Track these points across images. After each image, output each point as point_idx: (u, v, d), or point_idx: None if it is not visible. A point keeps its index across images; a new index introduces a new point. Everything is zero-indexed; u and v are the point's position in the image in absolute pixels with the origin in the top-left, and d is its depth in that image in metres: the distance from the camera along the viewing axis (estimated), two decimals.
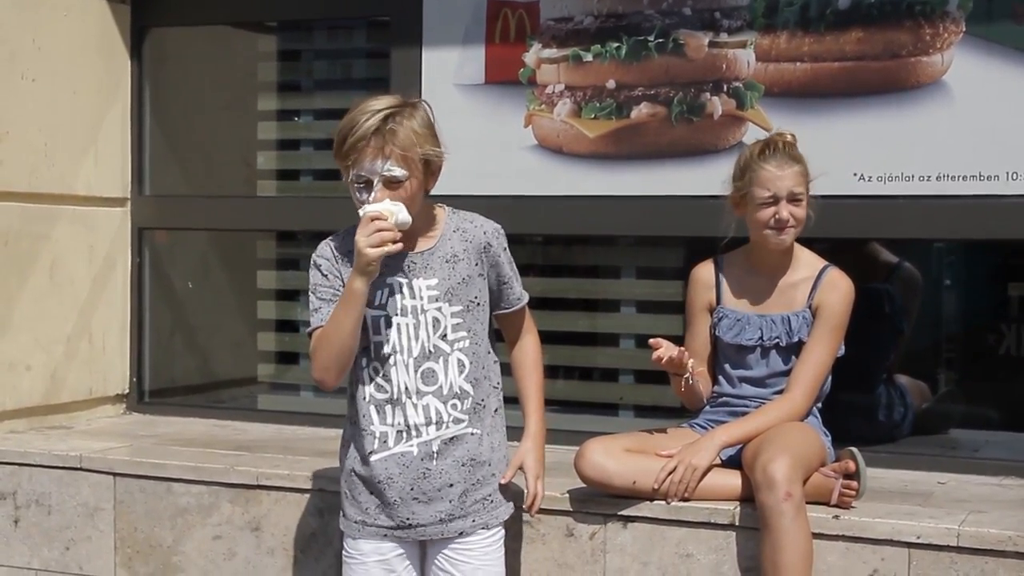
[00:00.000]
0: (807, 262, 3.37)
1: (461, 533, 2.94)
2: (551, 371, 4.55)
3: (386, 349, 2.89)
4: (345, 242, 2.93)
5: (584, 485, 3.31)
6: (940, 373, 4.26)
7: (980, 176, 3.62)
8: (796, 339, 3.32)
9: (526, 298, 3.10)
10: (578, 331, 4.49)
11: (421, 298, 2.89)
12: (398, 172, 2.78)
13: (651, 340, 3.24)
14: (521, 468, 3.06)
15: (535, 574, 3.38)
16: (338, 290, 2.90)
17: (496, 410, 3.00)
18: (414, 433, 2.89)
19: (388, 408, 2.90)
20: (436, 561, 2.99)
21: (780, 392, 3.34)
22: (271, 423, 4.49)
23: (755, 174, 3.27)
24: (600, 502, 3.30)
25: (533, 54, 4.13)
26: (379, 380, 2.90)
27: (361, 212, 2.76)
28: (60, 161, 4.43)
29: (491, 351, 3.01)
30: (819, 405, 3.38)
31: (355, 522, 2.99)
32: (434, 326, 2.89)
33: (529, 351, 3.14)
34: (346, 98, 4.69)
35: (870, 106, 3.73)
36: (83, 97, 4.52)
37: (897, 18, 3.70)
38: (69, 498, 3.87)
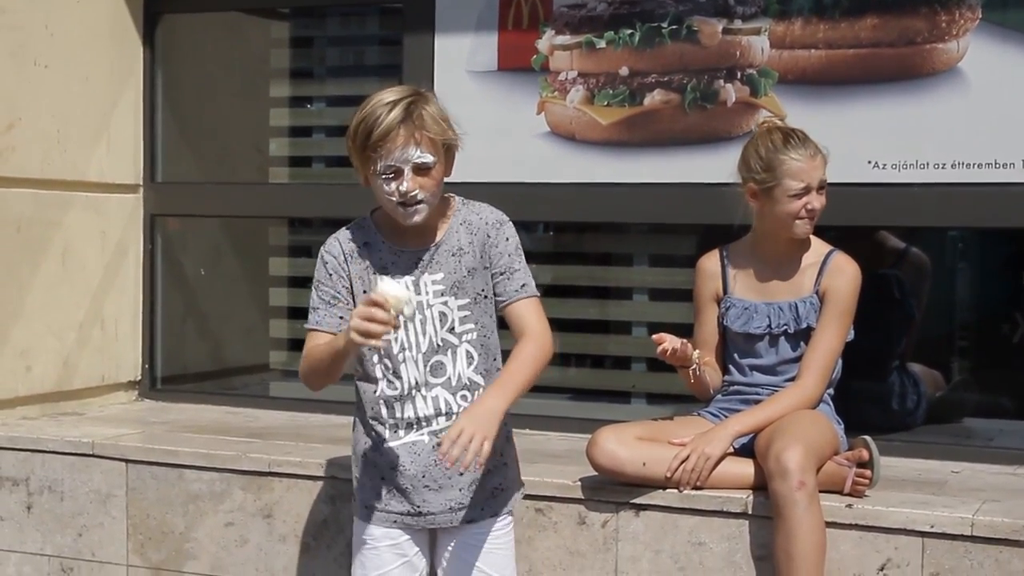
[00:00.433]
0: (813, 248, 3.36)
1: (471, 520, 2.94)
2: (563, 359, 4.57)
3: (395, 347, 2.88)
4: (356, 237, 2.91)
5: (596, 473, 3.30)
6: (954, 361, 4.25)
7: (995, 164, 3.60)
8: (804, 325, 3.31)
9: (529, 292, 2.90)
10: (590, 319, 4.49)
11: (427, 293, 2.87)
12: (429, 158, 2.76)
13: (654, 336, 3.23)
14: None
15: (547, 562, 3.38)
16: (338, 292, 2.88)
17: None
18: (424, 424, 2.89)
19: (398, 404, 2.89)
20: (447, 548, 2.98)
21: (791, 379, 3.33)
22: (283, 410, 4.50)
23: (786, 166, 3.23)
24: (612, 490, 3.29)
25: (546, 41, 4.11)
26: (390, 376, 2.89)
27: (378, 284, 2.65)
28: (72, 148, 4.43)
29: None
30: (831, 392, 3.36)
31: (366, 507, 2.99)
32: (441, 320, 2.87)
33: (522, 349, 2.84)
34: (358, 85, 4.73)
35: (885, 93, 3.71)
36: (95, 84, 4.51)
37: (912, 5, 3.68)
38: (81, 484, 3.87)
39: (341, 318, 2.87)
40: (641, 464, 3.21)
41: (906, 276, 4.05)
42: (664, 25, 3.96)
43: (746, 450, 3.29)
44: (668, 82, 3.97)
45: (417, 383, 2.87)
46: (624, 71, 4.01)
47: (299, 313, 4.89)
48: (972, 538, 3.00)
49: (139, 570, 3.82)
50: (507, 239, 2.90)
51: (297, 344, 4.89)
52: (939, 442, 3.78)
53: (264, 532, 3.67)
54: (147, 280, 4.74)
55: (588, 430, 3.46)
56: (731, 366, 3.43)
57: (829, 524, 3.06)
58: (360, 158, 2.81)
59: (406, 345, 2.87)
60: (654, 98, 3.99)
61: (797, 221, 3.26)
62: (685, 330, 3.56)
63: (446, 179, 2.89)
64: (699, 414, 3.45)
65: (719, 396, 3.45)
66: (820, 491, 3.06)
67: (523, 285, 2.89)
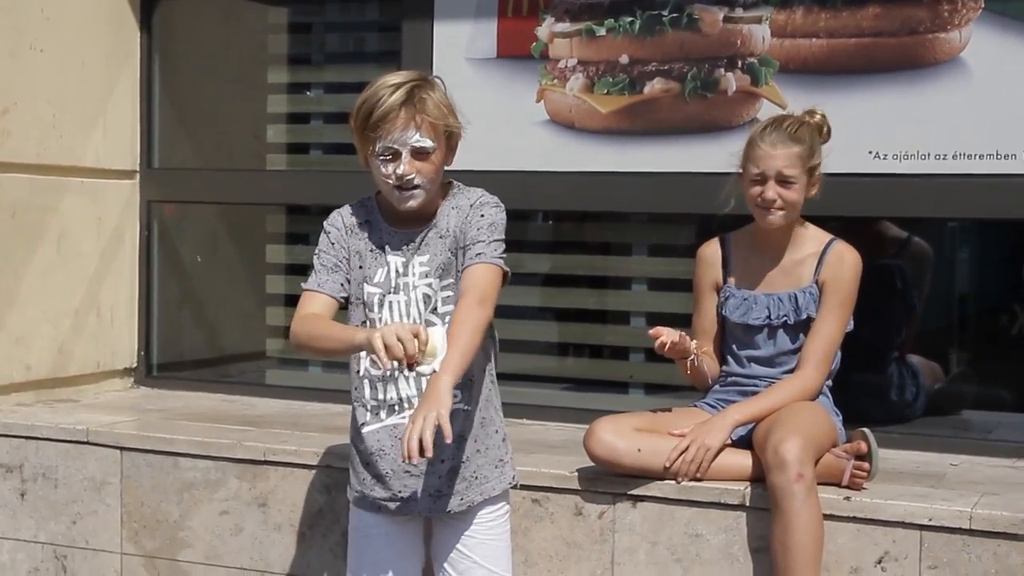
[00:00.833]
0: (813, 237, 3.34)
1: (449, 511, 2.92)
2: (561, 349, 4.55)
3: (379, 326, 2.87)
4: (358, 213, 2.93)
5: (593, 464, 3.28)
6: (953, 353, 4.23)
7: (997, 155, 3.58)
8: (804, 316, 3.29)
9: (483, 260, 2.80)
10: (588, 308, 4.46)
11: (413, 274, 2.87)
12: (428, 143, 2.76)
13: (651, 331, 3.21)
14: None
15: (543, 553, 3.36)
16: (341, 260, 2.90)
17: (488, 386, 2.95)
18: (406, 406, 2.88)
19: (380, 384, 2.89)
20: (441, 538, 2.97)
21: (789, 371, 3.32)
22: (279, 398, 4.48)
23: (750, 150, 3.26)
24: (609, 481, 3.28)
25: (546, 28, 4.09)
26: (373, 356, 2.89)
27: (434, 329, 2.64)
28: (68, 133, 4.41)
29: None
30: (830, 384, 3.35)
31: (356, 492, 2.99)
32: (425, 302, 2.86)
33: (460, 313, 2.73)
34: (357, 72, 4.70)
35: (886, 83, 3.68)
36: (92, 68, 4.49)
37: None
38: (76, 472, 3.85)
39: (342, 284, 2.89)
40: (636, 450, 3.19)
41: (907, 266, 4.03)
42: (664, 13, 3.93)
43: (744, 442, 3.27)
44: (668, 70, 3.94)
45: (399, 364, 2.85)
46: (624, 59, 3.99)
47: (296, 301, 4.87)
48: (970, 531, 2.99)
49: (133, 558, 3.80)
50: (482, 215, 2.87)
51: None
52: (938, 435, 3.76)
53: (259, 521, 3.65)
54: (143, 267, 4.72)
55: (586, 420, 3.44)
56: (729, 357, 3.42)
57: (827, 516, 3.05)
58: (360, 138, 2.82)
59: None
60: (654, 87, 3.97)
61: (755, 208, 3.26)
62: (684, 320, 3.55)
63: (447, 167, 2.88)
64: (697, 405, 3.43)
65: (716, 387, 3.43)
66: (818, 483, 3.05)
67: (478, 254, 2.82)
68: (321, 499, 3.57)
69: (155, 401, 4.43)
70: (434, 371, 2.62)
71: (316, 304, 2.89)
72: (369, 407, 2.92)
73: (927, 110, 3.64)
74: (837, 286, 3.27)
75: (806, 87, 3.75)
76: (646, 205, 4.10)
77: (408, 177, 2.77)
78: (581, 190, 4.08)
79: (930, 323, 4.19)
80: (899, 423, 3.88)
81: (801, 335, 3.31)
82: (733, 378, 3.40)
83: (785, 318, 3.31)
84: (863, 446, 3.17)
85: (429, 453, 2.56)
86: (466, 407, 2.89)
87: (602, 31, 4.01)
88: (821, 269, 3.29)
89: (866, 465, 3.16)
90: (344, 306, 2.93)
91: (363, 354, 2.89)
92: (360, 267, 2.90)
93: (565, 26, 4.06)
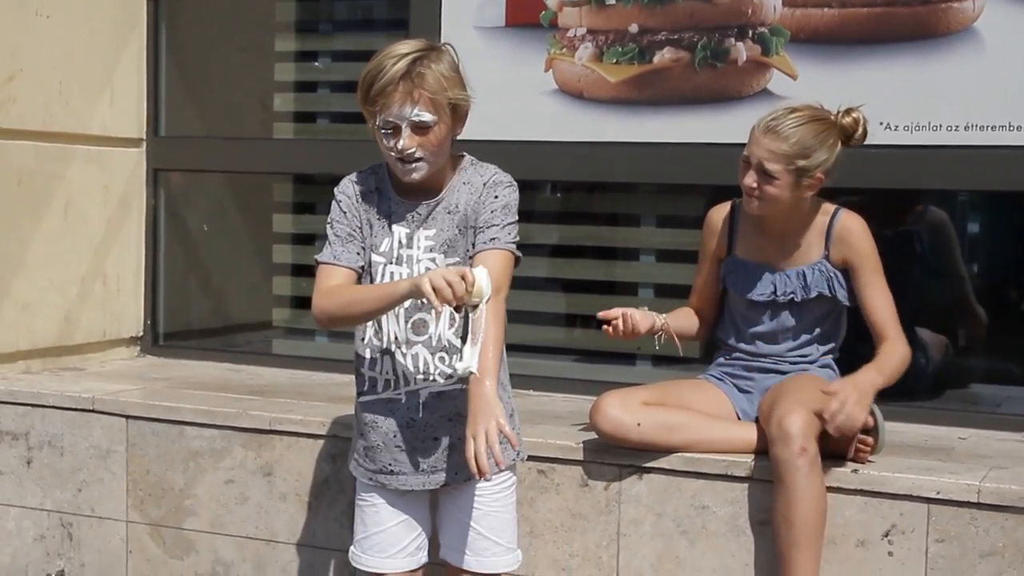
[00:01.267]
0: (817, 209, 3.27)
1: (446, 484, 2.92)
2: (571, 320, 4.53)
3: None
4: (368, 181, 2.90)
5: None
6: (961, 327, 4.20)
7: (1009, 126, 3.55)
8: (814, 294, 3.25)
9: (498, 245, 2.80)
10: (596, 279, 4.44)
11: (417, 248, 2.85)
12: (427, 117, 2.72)
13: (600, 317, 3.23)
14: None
15: (548, 524, 3.36)
16: (354, 230, 2.86)
17: None
18: (403, 382, 2.87)
19: (379, 356, 2.88)
20: (446, 510, 2.97)
21: (793, 350, 3.28)
22: (285, 368, 4.47)
23: (752, 128, 3.18)
24: (615, 452, 3.27)
25: None
26: (376, 326, 2.88)
27: (477, 270, 2.61)
28: (75, 100, 4.39)
29: None
30: (836, 356, 3.33)
31: (353, 460, 3.00)
32: None
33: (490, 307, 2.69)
34: (364, 40, 4.67)
35: (898, 53, 3.65)
36: (98, 35, 4.46)
37: None
38: (81, 440, 3.85)
39: (358, 253, 2.86)
40: (636, 425, 3.17)
41: (926, 238, 3.99)
42: None
43: (749, 418, 3.26)
44: (678, 40, 3.91)
45: (397, 338, 2.85)
46: (634, 28, 3.95)
47: (303, 270, 4.89)
48: (978, 505, 2.97)
49: (138, 526, 3.80)
50: (496, 197, 2.84)
51: (301, 301, 4.89)
52: (946, 408, 3.75)
53: (264, 490, 3.65)
54: (150, 235, 4.71)
55: (593, 392, 3.44)
56: (732, 330, 3.38)
57: (834, 490, 3.04)
58: (364, 110, 2.79)
59: None
60: (664, 56, 3.94)
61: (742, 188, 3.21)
62: (685, 288, 3.53)
63: (458, 138, 2.85)
64: (705, 378, 3.41)
65: (721, 360, 3.41)
66: (824, 457, 3.03)
67: (493, 239, 2.81)
68: (327, 468, 3.56)
69: (161, 370, 4.43)
70: (480, 305, 2.60)
71: (336, 277, 2.85)
72: (367, 378, 2.91)
73: (939, 81, 3.61)
74: (862, 258, 3.22)
75: (817, 57, 3.72)
76: (655, 176, 4.07)
77: (409, 151, 2.74)
78: (589, 160, 4.05)
79: (939, 296, 4.17)
80: (907, 396, 3.86)
81: (805, 314, 3.27)
82: (737, 353, 3.37)
83: (792, 295, 3.27)
84: (869, 420, 3.14)
85: (502, 464, 2.67)
86: (463, 385, 2.87)
87: (612, 0, 3.98)
88: (831, 245, 3.24)
89: (869, 440, 3.14)
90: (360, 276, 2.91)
91: (367, 325, 2.88)
92: (373, 235, 2.88)
93: None
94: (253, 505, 3.67)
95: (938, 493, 3.00)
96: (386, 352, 2.87)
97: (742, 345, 3.36)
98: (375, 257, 2.87)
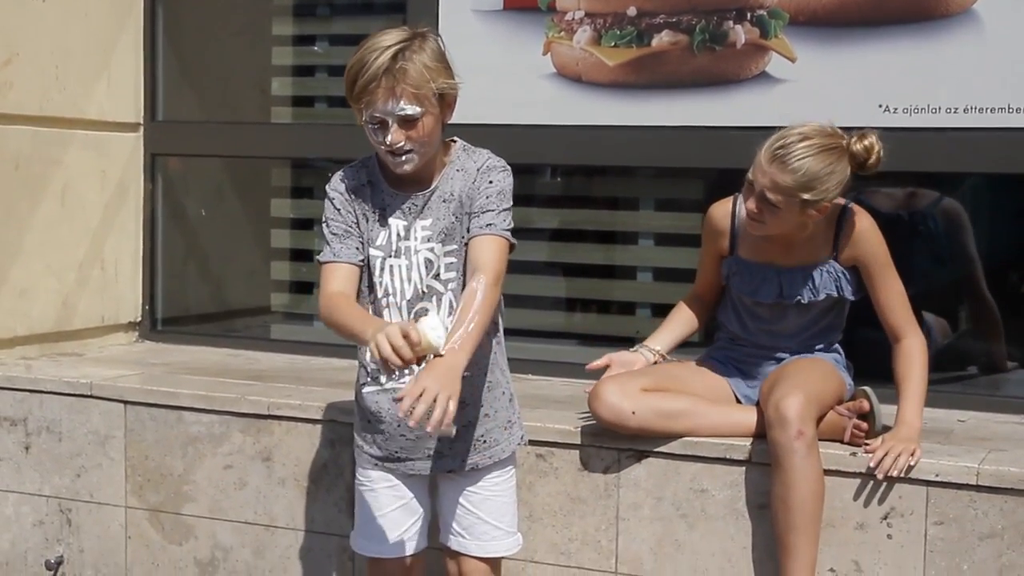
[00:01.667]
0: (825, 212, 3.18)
1: (452, 470, 2.92)
2: (570, 304, 4.52)
3: (379, 291, 2.85)
4: (358, 176, 2.88)
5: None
6: (962, 310, 4.19)
7: (1009, 108, 3.53)
8: (822, 296, 3.20)
9: (493, 231, 2.78)
10: (595, 263, 4.44)
11: (415, 239, 2.83)
12: (412, 111, 2.70)
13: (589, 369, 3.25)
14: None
15: (547, 508, 3.35)
16: (350, 226, 2.85)
17: (493, 349, 2.90)
18: (407, 372, 2.85)
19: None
20: (446, 494, 2.97)
21: (798, 341, 3.26)
22: (284, 353, 4.47)
23: (756, 155, 3.07)
24: (614, 436, 3.26)
25: None
26: (378, 317, 2.87)
27: (422, 320, 2.55)
28: (72, 85, 4.37)
29: None
30: (839, 338, 3.32)
31: (358, 446, 2.99)
32: (427, 267, 2.82)
33: (476, 293, 2.68)
34: (363, 24, 4.65)
35: (897, 36, 3.64)
36: (95, 19, 4.45)
37: None
38: (80, 425, 3.85)
39: (357, 248, 2.85)
40: (631, 413, 3.15)
41: (940, 224, 3.97)
42: None
43: (751, 402, 3.25)
44: (676, 23, 3.90)
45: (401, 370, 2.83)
46: (632, 11, 3.94)
47: (301, 255, 4.89)
48: (977, 487, 2.97)
49: (137, 512, 3.80)
50: (491, 182, 2.82)
51: (299, 286, 4.89)
52: (946, 391, 3.74)
53: (263, 475, 3.64)
54: (148, 220, 4.70)
55: (591, 376, 3.43)
56: (735, 320, 3.35)
57: (833, 472, 3.04)
58: (352, 106, 2.77)
59: (390, 291, 2.84)
60: (662, 39, 3.92)
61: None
62: (691, 275, 3.52)
63: (449, 122, 2.84)
64: (706, 361, 3.40)
65: (723, 343, 3.40)
66: (822, 440, 3.03)
67: (488, 224, 2.79)
68: (325, 453, 3.56)
69: (159, 355, 4.42)
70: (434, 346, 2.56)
71: (338, 276, 2.83)
72: (369, 370, 2.91)
73: (938, 63, 3.60)
74: (873, 257, 3.17)
75: (816, 39, 3.71)
76: (653, 159, 4.06)
77: (398, 145, 2.72)
78: (588, 144, 4.04)
79: (940, 279, 4.16)
80: None
81: (812, 308, 3.23)
82: (740, 342, 3.36)
83: (798, 298, 3.21)
84: (865, 404, 3.14)
85: (451, 432, 2.64)
86: (467, 373, 2.85)
87: None
88: (841, 245, 3.18)
89: (865, 424, 3.13)
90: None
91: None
92: (370, 229, 2.86)
93: None
94: (252, 490, 3.66)
95: (937, 476, 3.00)
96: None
97: (744, 335, 3.34)
98: (372, 251, 2.85)
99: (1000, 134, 3.56)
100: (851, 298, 3.25)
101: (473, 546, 2.96)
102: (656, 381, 3.25)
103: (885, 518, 3.05)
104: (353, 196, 2.87)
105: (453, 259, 2.83)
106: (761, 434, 3.13)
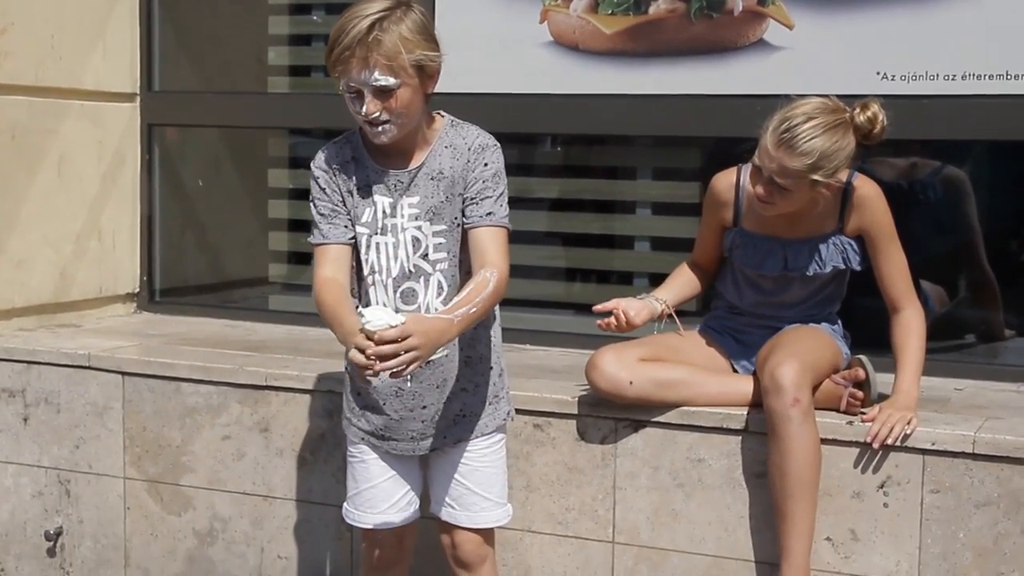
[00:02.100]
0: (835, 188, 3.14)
1: (434, 449, 2.93)
2: (567, 273, 4.51)
3: (366, 269, 2.85)
4: (342, 152, 2.87)
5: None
6: (961, 278, 4.18)
7: (1007, 75, 3.51)
8: (828, 269, 3.19)
9: (494, 221, 2.78)
10: (593, 233, 4.43)
11: (402, 216, 2.82)
12: (385, 81, 2.67)
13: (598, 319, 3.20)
14: None
15: (544, 478, 3.36)
16: (337, 204, 2.83)
17: (475, 328, 2.85)
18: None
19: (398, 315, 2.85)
20: (436, 466, 2.98)
21: (799, 311, 3.25)
22: (282, 324, 4.46)
23: (761, 139, 3.05)
24: (611, 406, 3.26)
25: None
26: (366, 297, 2.88)
27: (364, 316, 2.53)
28: (67, 54, 4.35)
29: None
30: (838, 308, 3.31)
31: (345, 418, 3.01)
32: (414, 245, 2.81)
33: (484, 283, 2.70)
34: None
35: (895, 2, 3.61)
36: None
37: None
38: (78, 396, 3.85)
39: (346, 227, 2.83)
40: (629, 383, 3.15)
41: (941, 192, 3.96)
42: None
43: (748, 370, 3.25)
44: None
45: (386, 307, 2.82)
46: None
47: (299, 225, 4.88)
48: (973, 455, 2.97)
49: (136, 483, 3.81)
50: (485, 164, 2.81)
51: (297, 257, 4.88)
52: (943, 359, 3.73)
53: (261, 446, 3.65)
54: (145, 191, 4.69)
55: (589, 346, 3.43)
56: (734, 290, 3.34)
57: (829, 441, 3.04)
58: (330, 73, 2.76)
59: (376, 268, 2.83)
60: (659, 7, 3.90)
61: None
62: (689, 245, 3.51)
63: (447, 91, 2.81)
64: (704, 330, 3.40)
65: (721, 312, 3.40)
66: (818, 409, 3.03)
67: (489, 213, 2.78)
68: (323, 424, 3.56)
69: (157, 326, 4.42)
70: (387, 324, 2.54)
71: (330, 258, 2.82)
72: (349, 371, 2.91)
73: (937, 30, 3.58)
74: (878, 227, 3.14)
75: (813, 7, 3.69)
76: (651, 128, 4.05)
77: (373, 115, 2.70)
78: (585, 113, 4.02)
79: (938, 247, 4.15)
80: None
81: (816, 279, 3.22)
82: (737, 312, 3.35)
83: (804, 270, 3.20)
84: (861, 373, 3.14)
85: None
86: (446, 352, 2.83)
87: None
88: (847, 216, 3.16)
89: (861, 393, 3.13)
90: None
91: (361, 293, 2.89)
92: (356, 206, 2.84)
93: None
94: (250, 461, 3.67)
95: (933, 444, 3.00)
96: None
97: (744, 306, 3.33)
98: (359, 228, 2.83)
99: (999, 101, 3.54)
100: (858, 268, 3.23)
101: (463, 517, 2.96)
102: (653, 351, 3.24)
103: (881, 487, 3.05)
104: (337, 173, 2.85)
105: (442, 239, 2.81)
106: (758, 403, 3.13)
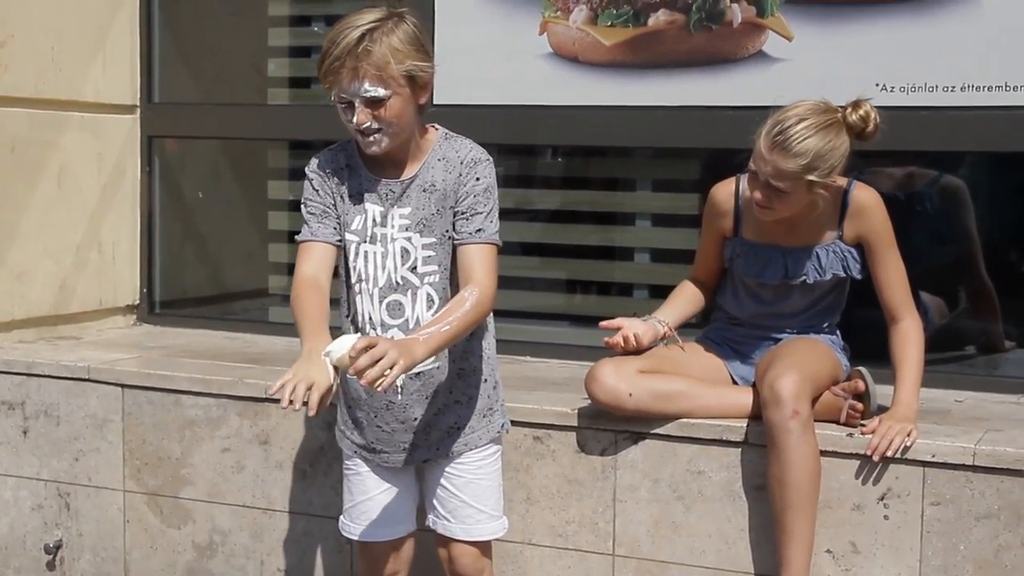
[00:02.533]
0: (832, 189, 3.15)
1: (427, 460, 2.93)
2: (568, 285, 4.51)
3: (353, 276, 2.85)
4: (337, 159, 2.88)
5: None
6: (960, 290, 4.18)
7: (1007, 87, 3.52)
8: (828, 276, 3.19)
9: (484, 238, 2.78)
10: (592, 245, 4.42)
11: (392, 226, 2.82)
12: (375, 92, 2.68)
13: (605, 335, 3.17)
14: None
15: (545, 490, 3.35)
16: (329, 206, 2.84)
17: (471, 335, 2.85)
18: (377, 387, 2.84)
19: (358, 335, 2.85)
20: (431, 478, 2.98)
21: (799, 321, 3.25)
22: (282, 336, 4.43)
23: (755, 144, 3.05)
24: (611, 419, 3.26)
25: None
26: (352, 307, 2.89)
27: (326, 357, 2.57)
28: (67, 66, 4.36)
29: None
30: (837, 319, 3.31)
31: (339, 430, 3.01)
32: (403, 257, 2.81)
33: (464, 301, 2.70)
34: (359, 4, 4.60)
35: (895, 13, 3.61)
36: (91, 0, 4.42)
37: None
38: (77, 409, 3.85)
39: (335, 228, 2.84)
40: (628, 395, 3.15)
41: (939, 203, 3.95)
42: None
43: (747, 382, 3.24)
44: (673, 2, 3.87)
45: (371, 319, 2.83)
46: None
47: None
48: (973, 467, 2.97)
49: (135, 495, 3.80)
50: (477, 179, 2.81)
51: None
52: (943, 371, 3.73)
53: (261, 458, 3.64)
54: (145, 203, 4.68)
55: (588, 357, 3.42)
56: (734, 301, 3.34)
57: (829, 453, 3.04)
58: (322, 83, 2.76)
59: (363, 276, 2.83)
60: (658, 18, 3.90)
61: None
62: (688, 256, 3.51)
63: (427, 105, 2.81)
64: (703, 341, 3.39)
65: (720, 324, 3.39)
66: (818, 420, 3.02)
67: (479, 230, 2.78)
68: (322, 437, 3.56)
69: (157, 338, 4.42)
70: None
71: (314, 256, 2.82)
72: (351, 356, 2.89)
73: (935, 41, 3.58)
74: (877, 235, 3.15)
75: (813, 18, 3.69)
76: (650, 139, 4.05)
77: (364, 125, 2.71)
78: (584, 124, 4.02)
79: (937, 258, 4.15)
80: None
81: (816, 288, 3.22)
82: (737, 323, 3.34)
83: (804, 278, 3.19)
84: (860, 385, 3.13)
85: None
86: (438, 364, 2.85)
87: None
88: (846, 223, 3.16)
89: (861, 405, 3.13)
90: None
91: (347, 303, 2.90)
92: (343, 212, 2.85)
93: None
94: (250, 474, 3.66)
95: (933, 456, 2.99)
96: (362, 332, 2.84)
97: (745, 317, 3.32)
98: (348, 236, 2.84)
99: (998, 112, 3.54)
100: (858, 277, 3.23)
101: (458, 530, 2.96)
102: (653, 363, 3.24)
103: (882, 499, 3.05)
104: (331, 177, 2.86)
105: (432, 252, 2.81)
106: (758, 415, 3.12)
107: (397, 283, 2.81)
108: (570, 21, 4.01)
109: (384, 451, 2.92)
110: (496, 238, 2.81)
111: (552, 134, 4.14)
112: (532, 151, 4.44)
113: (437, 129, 2.88)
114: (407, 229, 2.81)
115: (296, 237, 2.89)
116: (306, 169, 2.90)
